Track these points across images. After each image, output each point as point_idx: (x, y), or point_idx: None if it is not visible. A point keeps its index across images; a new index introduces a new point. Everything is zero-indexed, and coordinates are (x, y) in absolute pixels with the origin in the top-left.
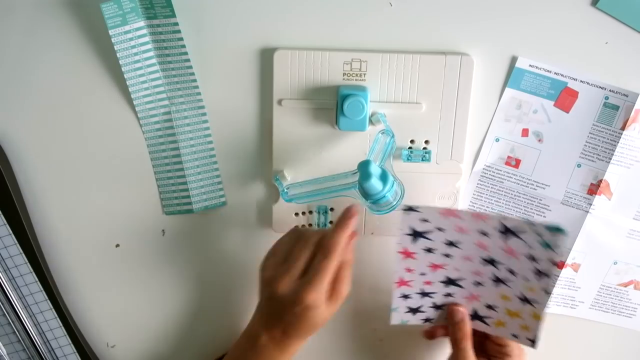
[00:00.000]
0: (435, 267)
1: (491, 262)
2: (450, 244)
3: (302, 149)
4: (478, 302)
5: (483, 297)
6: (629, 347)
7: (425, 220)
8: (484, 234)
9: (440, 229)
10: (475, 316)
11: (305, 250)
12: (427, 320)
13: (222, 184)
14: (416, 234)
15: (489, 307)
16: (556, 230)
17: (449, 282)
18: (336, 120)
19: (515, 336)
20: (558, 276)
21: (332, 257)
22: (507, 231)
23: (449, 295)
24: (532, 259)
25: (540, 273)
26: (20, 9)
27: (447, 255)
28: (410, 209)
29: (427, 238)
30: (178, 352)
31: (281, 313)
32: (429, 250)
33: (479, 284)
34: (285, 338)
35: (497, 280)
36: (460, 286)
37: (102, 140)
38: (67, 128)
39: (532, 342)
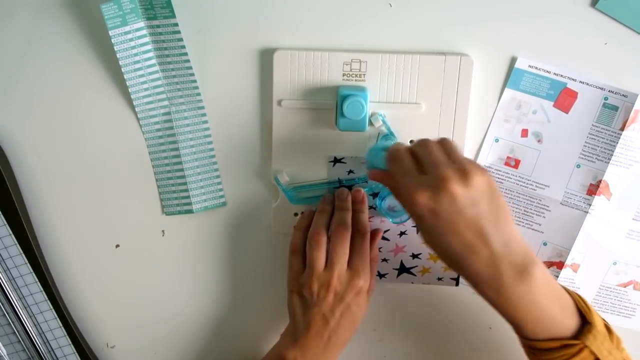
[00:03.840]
0: None
1: None
2: (375, 194)
3: (302, 149)
4: (404, 254)
5: (408, 247)
6: (628, 347)
7: (351, 172)
8: None
9: (364, 181)
10: (402, 269)
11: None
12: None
13: (222, 184)
14: (342, 186)
15: (414, 256)
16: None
17: None
18: (336, 121)
19: (440, 279)
20: None
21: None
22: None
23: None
24: None
25: None
26: (20, 9)
27: (372, 207)
28: (335, 160)
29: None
30: (178, 352)
31: (328, 319)
32: None
33: (403, 233)
34: (324, 353)
35: None
36: (386, 239)
37: (102, 140)
38: (67, 128)
39: (456, 281)
